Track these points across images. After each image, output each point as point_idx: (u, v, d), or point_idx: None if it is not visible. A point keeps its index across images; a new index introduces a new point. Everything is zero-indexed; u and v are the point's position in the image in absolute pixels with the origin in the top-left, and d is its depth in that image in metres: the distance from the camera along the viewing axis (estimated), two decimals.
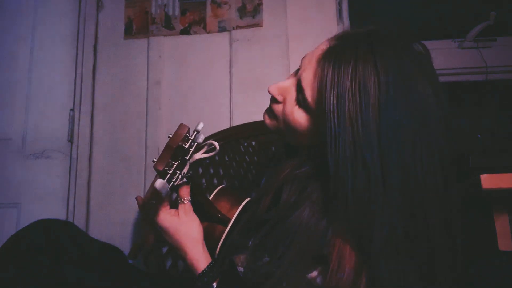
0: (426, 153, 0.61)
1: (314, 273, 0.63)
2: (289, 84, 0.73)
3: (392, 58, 0.63)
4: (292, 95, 0.72)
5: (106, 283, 0.82)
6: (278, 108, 0.75)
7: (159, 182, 0.65)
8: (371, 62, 0.62)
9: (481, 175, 0.74)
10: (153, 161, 0.67)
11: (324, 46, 0.69)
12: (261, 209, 0.74)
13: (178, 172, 0.70)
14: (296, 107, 0.71)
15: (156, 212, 0.76)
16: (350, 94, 0.61)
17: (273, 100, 0.76)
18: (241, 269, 0.71)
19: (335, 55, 0.64)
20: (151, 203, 0.76)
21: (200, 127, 0.72)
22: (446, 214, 0.62)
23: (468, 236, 0.91)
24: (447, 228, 0.62)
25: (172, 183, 0.68)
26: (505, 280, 0.95)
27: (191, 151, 0.71)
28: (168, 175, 0.67)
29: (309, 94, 0.67)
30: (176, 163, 0.69)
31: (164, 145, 0.68)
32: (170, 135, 0.69)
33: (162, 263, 1.38)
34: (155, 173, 0.70)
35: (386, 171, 0.59)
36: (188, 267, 0.76)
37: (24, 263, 0.77)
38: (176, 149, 0.67)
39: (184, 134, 0.69)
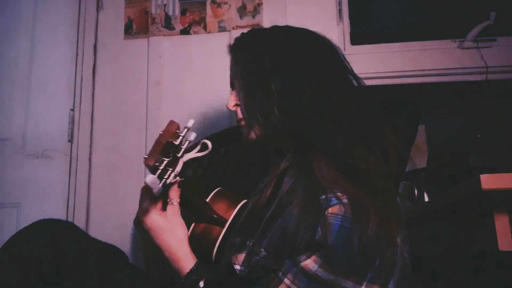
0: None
1: (308, 261, 0.64)
2: (232, 93, 0.88)
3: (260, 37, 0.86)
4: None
5: (107, 283, 0.82)
6: (241, 109, 0.84)
7: (150, 177, 0.63)
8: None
9: (481, 175, 0.74)
10: (144, 157, 0.66)
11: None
12: (262, 201, 0.76)
13: (170, 169, 0.68)
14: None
15: (145, 212, 0.75)
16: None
17: (236, 111, 0.86)
18: (237, 267, 0.72)
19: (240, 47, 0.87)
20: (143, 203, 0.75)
21: (190, 124, 0.71)
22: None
23: (468, 236, 0.91)
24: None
25: (164, 180, 0.67)
26: (505, 280, 0.95)
27: (182, 149, 0.71)
28: (159, 170, 0.66)
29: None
30: (167, 160, 0.67)
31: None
32: (161, 133, 0.68)
33: (162, 263, 1.38)
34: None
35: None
36: (173, 268, 0.76)
37: (24, 263, 0.77)
38: (166, 145, 0.66)
39: (173, 131, 0.68)
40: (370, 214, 0.64)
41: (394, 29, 1.80)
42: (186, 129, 0.71)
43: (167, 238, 0.76)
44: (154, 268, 1.34)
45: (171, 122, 0.70)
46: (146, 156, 0.66)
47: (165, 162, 0.66)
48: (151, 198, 0.75)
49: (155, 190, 0.65)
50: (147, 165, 0.65)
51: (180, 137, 0.70)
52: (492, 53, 1.64)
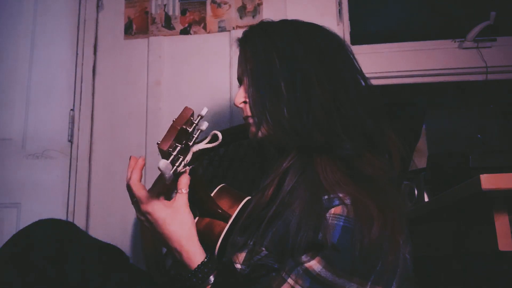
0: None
1: (313, 262, 0.64)
2: (240, 88, 0.86)
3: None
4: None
5: (107, 283, 0.82)
6: (249, 107, 0.82)
7: (163, 162, 0.62)
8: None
9: (481, 175, 0.73)
10: (158, 143, 0.64)
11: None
12: (264, 199, 0.75)
13: (181, 157, 0.67)
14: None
15: (150, 203, 0.72)
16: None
17: (243, 108, 0.85)
18: (238, 265, 0.72)
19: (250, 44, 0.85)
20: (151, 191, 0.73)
21: (204, 112, 0.69)
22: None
23: (468, 236, 0.91)
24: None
25: (175, 167, 0.65)
26: (505, 280, 0.95)
27: (194, 138, 0.69)
28: (172, 156, 0.64)
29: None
30: (180, 146, 0.65)
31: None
32: (174, 119, 0.67)
33: (162, 263, 1.38)
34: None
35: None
36: (182, 261, 0.72)
37: (25, 264, 0.77)
38: (180, 131, 0.65)
39: (188, 117, 0.67)
40: (374, 217, 0.64)
41: (394, 29, 1.80)
42: (199, 117, 0.69)
43: (176, 229, 0.72)
44: (154, 268, 1.34)
45: (186, 108, 0.68)
46: (159, 142, 0.64)
47: (178, 149, 0.65)
48: (159, 187, 0.73)
49: (167, 176, 0.63)
50: (160, 150, 0.64)
51: (194, 125, 0.68)
52: (492, 53, 1.64)
